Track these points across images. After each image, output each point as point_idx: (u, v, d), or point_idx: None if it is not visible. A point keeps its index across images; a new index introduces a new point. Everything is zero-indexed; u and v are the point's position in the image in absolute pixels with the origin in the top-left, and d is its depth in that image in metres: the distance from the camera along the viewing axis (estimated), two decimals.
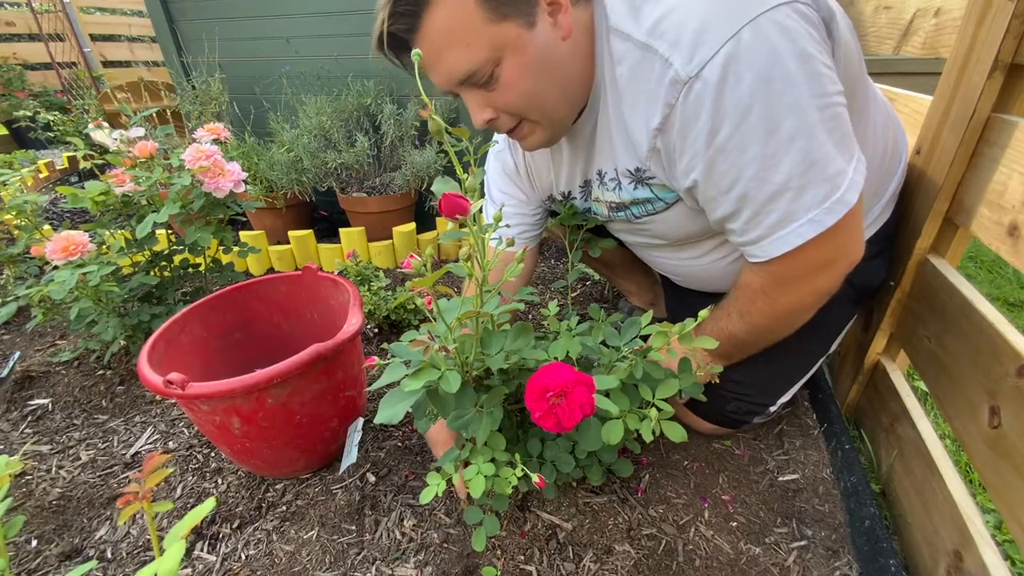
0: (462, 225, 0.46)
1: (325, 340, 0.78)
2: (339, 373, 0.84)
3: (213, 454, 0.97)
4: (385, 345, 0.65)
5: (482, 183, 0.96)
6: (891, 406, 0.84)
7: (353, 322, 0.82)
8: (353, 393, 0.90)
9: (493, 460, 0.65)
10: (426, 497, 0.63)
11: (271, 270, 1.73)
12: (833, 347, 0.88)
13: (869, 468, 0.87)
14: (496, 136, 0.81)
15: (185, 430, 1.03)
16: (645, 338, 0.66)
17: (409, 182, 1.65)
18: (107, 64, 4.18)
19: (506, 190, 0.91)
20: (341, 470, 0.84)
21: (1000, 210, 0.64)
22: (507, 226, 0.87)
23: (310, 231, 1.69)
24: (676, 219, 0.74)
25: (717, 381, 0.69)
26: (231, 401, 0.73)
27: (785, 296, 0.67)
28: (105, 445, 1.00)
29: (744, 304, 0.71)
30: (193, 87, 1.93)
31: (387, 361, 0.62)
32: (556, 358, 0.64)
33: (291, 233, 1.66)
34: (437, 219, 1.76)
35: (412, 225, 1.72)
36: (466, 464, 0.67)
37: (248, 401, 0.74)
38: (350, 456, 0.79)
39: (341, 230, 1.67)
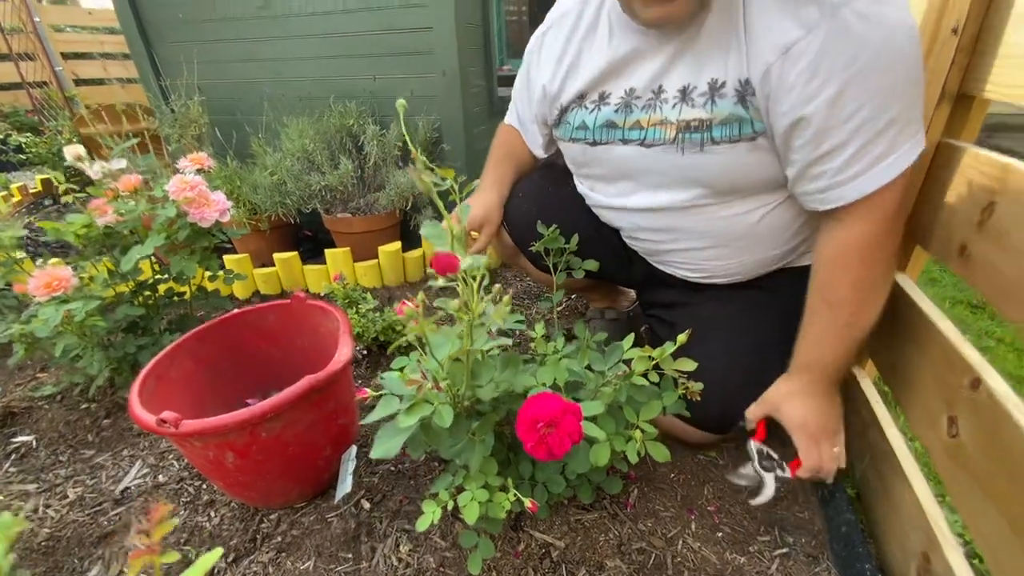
0: (451, 280, 0.48)
1: (315, 367, 0.79)
2: (331, 402, 0.85)
3: (204, 486, 0.97)
4: (380, 376, 0.67)
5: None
6: (862, 414, 0.88)
7: (344, 351, 0.83)
8: (345, 421, 0.91)
9: (486, 485, 0.67)
10: (422, 525, 0.65)
11: (256, 293, 1.73)
12: None
13: (844, 474, 0.91)
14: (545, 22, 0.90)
15: (175, 462, 1.03)
16: (628, 361, 0.69)
17: (394, 202, 1.66)
18: (79, 82, 4.11)
19: (524, 76, 0.98)
20: (336, 499, 0.85)
21: (951, 230, 0.69)
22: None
23: (295, 253, 1.69)
24: (747, 156, 0.73)
25: (699, 399, 0.72)
26: (224, 437, 0.74)
27: (888, 246, 0.69)
28: (93, 482, 0.99)
29: (848, 283, 0.71)
30: (172, 110, 1.92)
31: (379, 393, 0.64)
32: (544, 384, 0.67)
33: (276, 255, 1.66)
34: (423, 237, 1.78)
35: (398, 244, 1.74)
36: (460, 490, 0.69)
37: (242, 436, 0.75)
38: (345, 485, 0.80)
39: (327, 251, 1.67)
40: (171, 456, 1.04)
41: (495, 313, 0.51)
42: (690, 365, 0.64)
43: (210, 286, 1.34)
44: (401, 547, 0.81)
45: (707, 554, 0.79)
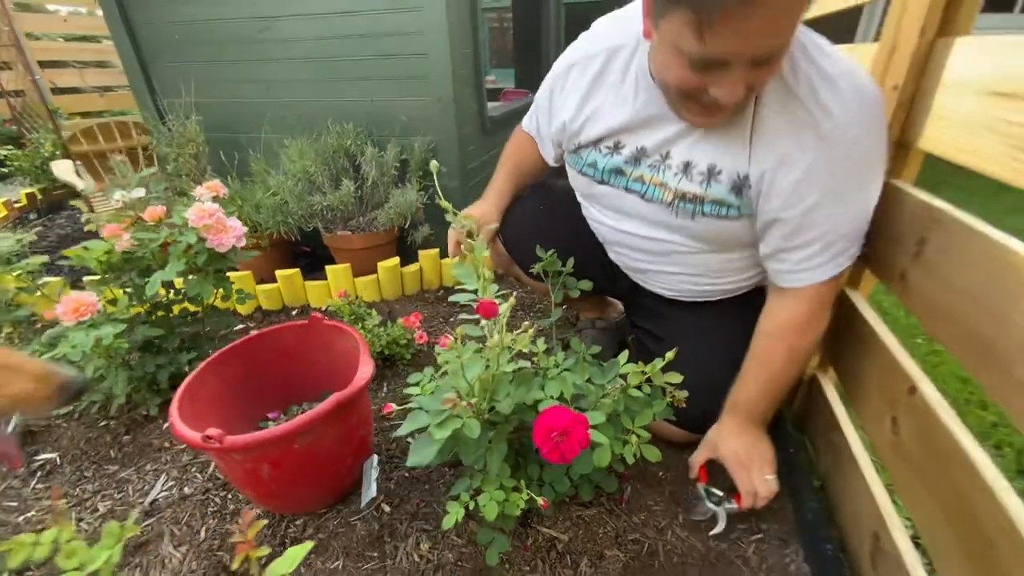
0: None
1: (331, 382, 0.87)
2: (354, 417, 0.93)
3: (230, 496, 1.03)
4: (409, 391, 0.76)
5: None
6: (825, 415, 1.00)
7: (365, 370, 0.91)
8: (364, 433, 0.99)
9: (502, 487, 0.77)
10: (448, 523, 0.73)
11: (259, 309, 1.78)
12: None
13: (811, 467, 1.03)
14: (563, 60, 0.97)
15: (198, 475, 1.09)
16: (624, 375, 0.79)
17: (393, 220, 1.74)
18: (57, 91, 4.05)
19: (545, 102, 1.03)
20: (363, 503, 0.93)
21: (894, 258, 0.81)
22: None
23: (296, 270, 1.75)
24: (731, 226, 0.85)
25: (684, 405, 0.83)
26: (262, 450, 0.81)
27: (820, 324, 0.87)
28: (121, 495, 1.05)
29: (784, 349, 0.87)
30: (168, 129, 1.96)
31: (404, 407, 0.73)
32: (552, 397, 0.76)
33: (278, 272, 1.72)
34: (420, 252, 1.86)
35: (396, 260, 1.81)
36: (477, 492, 0.78)
37: (278, 449, 0.82)
38: (370, 490, 0.88)
39: (328, 267, 1.74)
40: (194, 469, 1.11)
41: (519, 341, 0.61)
42: (677, 378, 0.75)
43: (221, 305, 1.40)
44: (422, 545, 0.90)
45: (693, 542, 0.89)
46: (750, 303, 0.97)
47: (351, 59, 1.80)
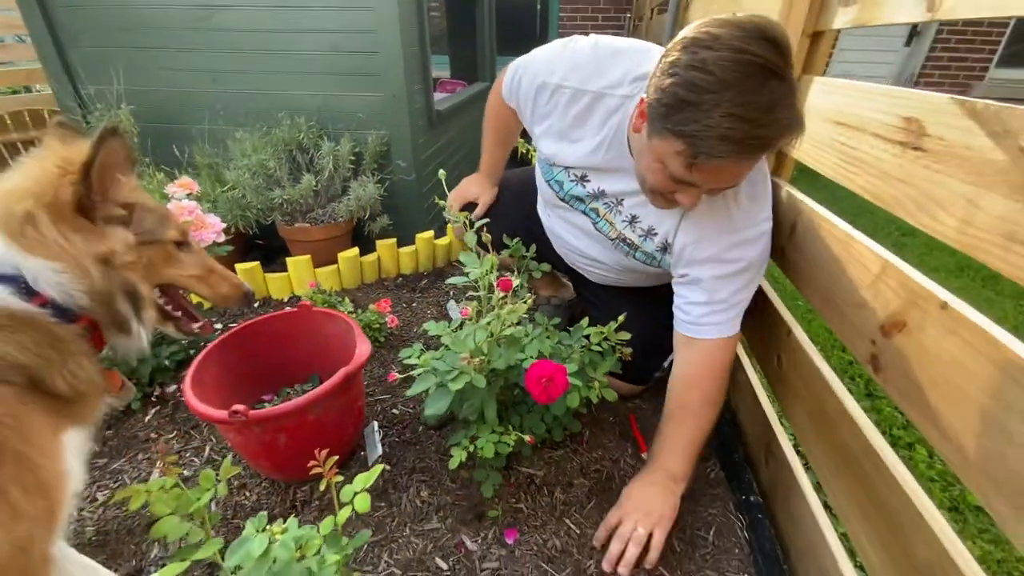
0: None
1: (320, 365, 0.98)
2: (355, 389, 1.06)
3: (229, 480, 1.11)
4: (425, 356, 0.90)
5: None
6: (738, 376, 1.28)
7: (364, 348, 1.04)
8: (361, 404, 1.12)
9: (494, 431, 0.94)
10: (454, 463, 0.90)
11: None
12: None
13: (725, 404, 1.32)
14: (550, 76, 1.00)
15: (195, 459, 1.16)
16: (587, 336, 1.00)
17: (353, 212, 1.82)
18: None
19: (539, 106, 1.06)
20: (371, 462, 1.07)
21: (776, 239, 1.08)
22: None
23: (256, 263, 1.77)
24: (655, 272, 1.08)
25: (630, 359, 1.05)
26: (281, 421, 0.92)
27: (725, 372, 0.99)
28: (118, 485, 1.09)
29: (698, 395, 0.99)
30: (87, 122, 1.86)
31: (406, 375, 0.88)
32: (531, 356, 0.95)
33: (238, 266, 1.74)
34: (377, 242, 1.95)
35: (356, 250, 1.89)
36: (474, 438, 0.95)
37: (294, 420, 0.94)
38: (376, 450, 1.02)
39: (288, 259, 1.78)
40: (188, 453, 1.17)
41: (516, 311, 0.78)
42: (627, 336, 0.97)
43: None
44: (422, 493, 1.06)
45: (640, 466, 1.13)
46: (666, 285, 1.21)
47: (300, 53, 1.83)
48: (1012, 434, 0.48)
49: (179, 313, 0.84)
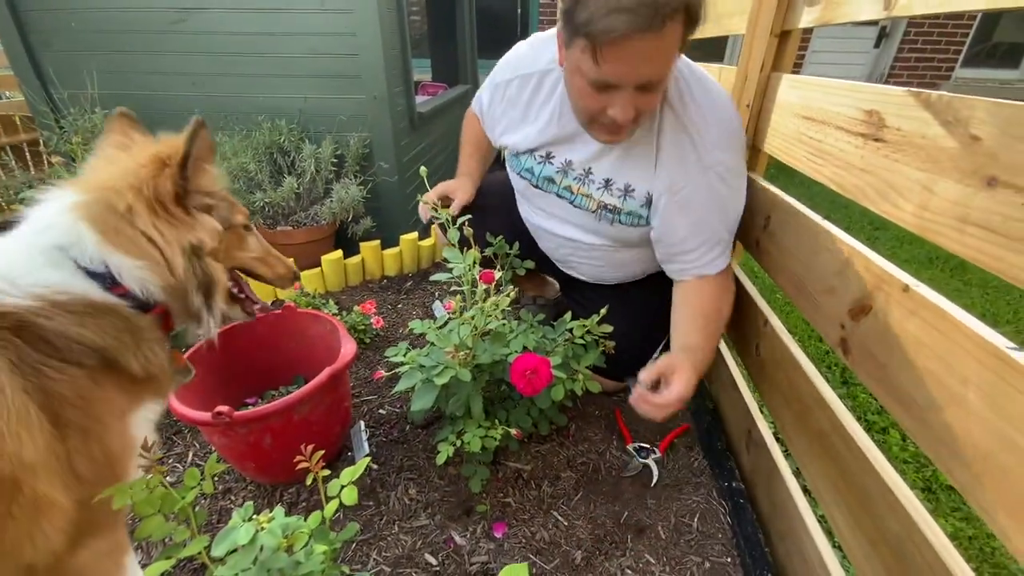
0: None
1: (305, 367, 0.98)
2: (341, 389, 1.06)
3: (217, 479, 1.10)
4: (411, 355, 0.90)
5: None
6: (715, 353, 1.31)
7: (350, 347, 1.04)
8: (347, 404, 1.12)
9: (480, 426, 0.95)
10: (441, 459, 0.91)
11: None
12: None
13: (706, 394, 1.35)
14: (498, 77, 1.12)
15: (178, 464, 1.14)
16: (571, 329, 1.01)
17: (336, 214, 1.81)
18: None
19: (492, 96, 1.16)
20: (357, 461, 1.06)
21: (751, 230, 1.11)
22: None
23: None
24: (642, 233, 1.06)
25: (613, 351, 1.07)
26: (267, 422, 0.92)
27: (727, 291, 1.06)
28: None
29: (716, 317, 1.03)
30: (61, 127, 1.83)
31: (392, 373, 0.88)
32: (516, 351, 0.96)
33: None
34: (361, 244, 1.94)
35: (339, 253, 1.89)
36: (461, 433, 0.96)
37: (280, 419, 0.93)
38: (363, 449, 1.02)
39: None
40: (171, 460, 1.15)
41: (500, 303, 0.79)
42: (609, 329, 0.99)
43: None
44: (410, 491, 1.06)
45: (626, 458, 1.15)
46: (648, 283, 1.23)
47: (280, 56, 1.82)
48: (970, 406, 0.51)
49: (243, 296, 0.87)
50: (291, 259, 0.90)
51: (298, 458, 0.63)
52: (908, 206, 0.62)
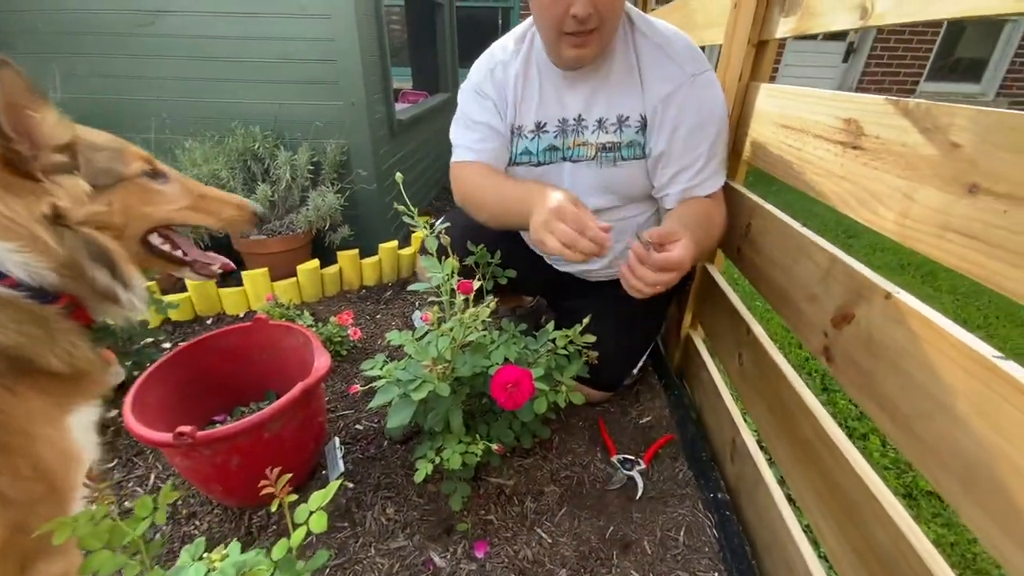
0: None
1: (278, 381, 0.94)
2: (315, 403, 1.01)
3: (180, 502, 1.04)
4: (388, 368, 0.87)
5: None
6: (696, 361, 1.31)
7: (323, 360, 1.00)
8: (322, 419, 1.07)
9: (460, 442, 0.92)
10: (419, 477, 0.87)
11: (167, 320, 1.69)
12: (663, 326, 1.33)
13: (690, 404, 1.34)
14: (473, 77, 1.11)
15: (138, 488, 1.07)
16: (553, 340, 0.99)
17: (313, 222, 1.76)
18: None
19: (483, 119, 1.10)
20: (331, 479, 1.02)
21: (732, 237, 1.11)
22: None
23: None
24: (639, 170, 1.06)
25: (596, 361, 1.05)
26: (234, 441, 0.87)
27: (721, 208, 1.06)
28: None
29: (708, 220, 1.02)
30: None
31: (368, 387, 0.85)
32: (496, 363, 0.93)
33: (189, 281, 1.65)
34: (339, 253, 1.90)
35: (316, 262, 1.84)
36: (440, 450, 0.92)
37: (249, 439, 0.88)
38: (337, 468, 0.97)
39: (244, 273, 1.71)
40: (131, 483, 1.08)
41: (480, 313, 0.76)
42: (592, 338, 0.97)
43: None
44: (387, 510, 1.02)
45: (610, 471, 1.13)
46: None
47: (253, 61, 1.78)
48: (957, 415, 0.50)
49: (189, 257, 0.77)
50: (243, 198, 0.81)
51: (263, 483, 0.59)
52: (889, 214, 0.62)
